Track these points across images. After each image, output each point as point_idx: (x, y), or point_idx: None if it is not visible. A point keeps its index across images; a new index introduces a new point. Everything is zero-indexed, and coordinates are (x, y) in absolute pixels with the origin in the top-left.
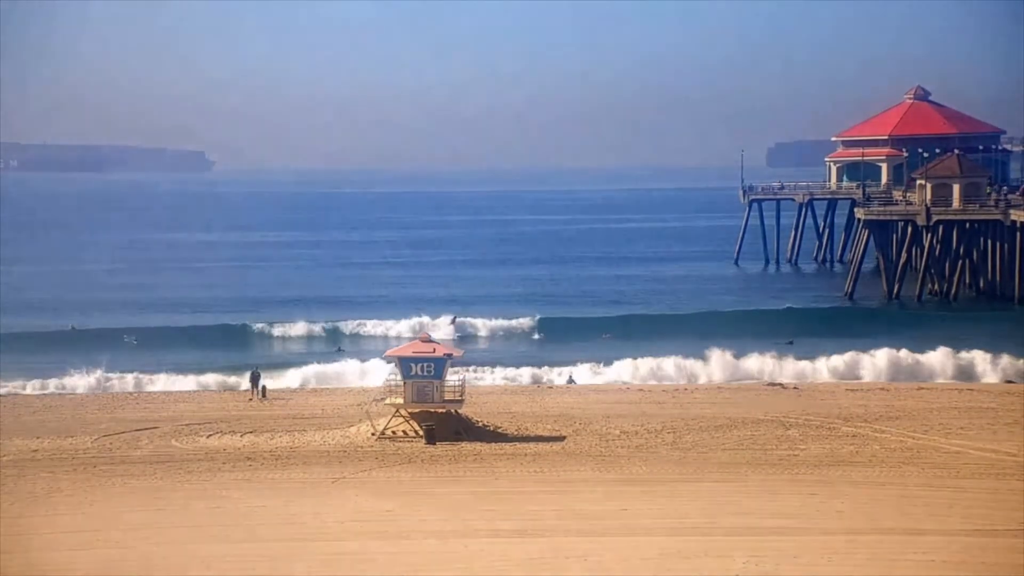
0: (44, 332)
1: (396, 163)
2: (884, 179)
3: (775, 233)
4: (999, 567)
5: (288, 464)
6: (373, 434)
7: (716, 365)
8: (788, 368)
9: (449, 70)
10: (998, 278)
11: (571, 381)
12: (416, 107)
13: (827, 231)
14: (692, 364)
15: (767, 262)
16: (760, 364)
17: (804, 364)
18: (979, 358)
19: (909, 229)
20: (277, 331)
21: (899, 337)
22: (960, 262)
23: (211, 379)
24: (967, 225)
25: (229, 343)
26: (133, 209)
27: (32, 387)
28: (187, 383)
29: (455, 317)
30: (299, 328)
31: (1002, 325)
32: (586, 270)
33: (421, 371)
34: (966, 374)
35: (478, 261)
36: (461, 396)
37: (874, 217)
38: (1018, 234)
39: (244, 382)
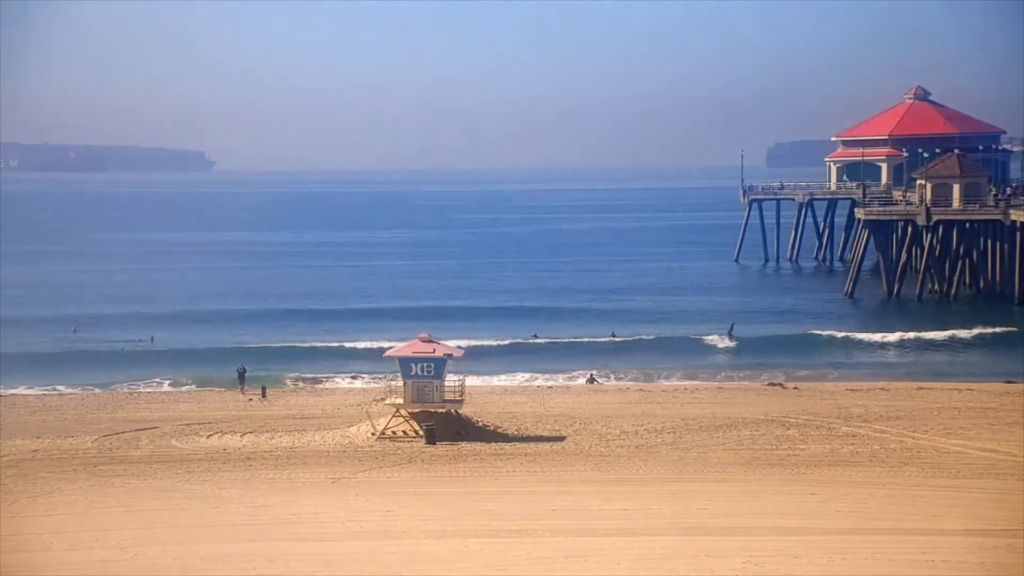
0: (46, 333)
1: (397, 163)
2: (884, 179)
3: (775, 233)
4: (999, 567)
5: (288, 464)
6: (373, 434)
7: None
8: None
9: (451, 70)
10: (998, 278)
11: (592, 380)
12: (417, 107)
13: (827, 231)
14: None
15: (767, 261)
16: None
17: (804, 363)
18: None
19: (909, 229)
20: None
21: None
22: (960, 262)
23: (211, 379)
24: (967, 225)
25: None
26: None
27: (33, 387)
28: (187, 383)
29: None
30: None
31: None
32: (593, 270)
33: (421, 371)
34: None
35: (479, 265)
36: (461, 396)
37: (874, 217)
38: (1018, 234)
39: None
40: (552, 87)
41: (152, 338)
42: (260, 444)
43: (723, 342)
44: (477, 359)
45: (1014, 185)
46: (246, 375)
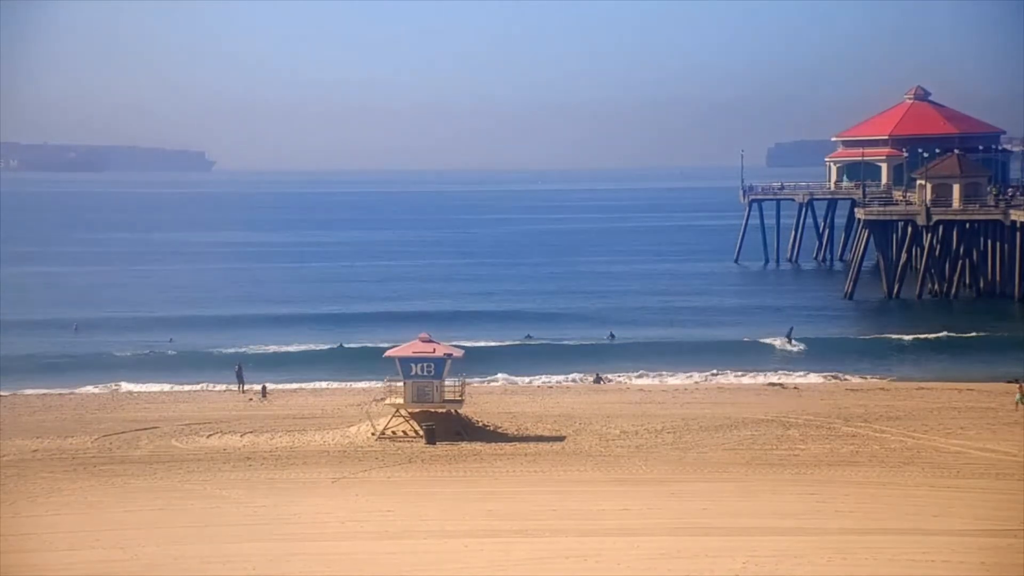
0: (46, 333)
1: (396, 163)
2: (884, 179)
3: (775, 233)
4: (999, 567)
5: (288, 464)
6: (373, 434)
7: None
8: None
9: (448, 70)
10: (998, 278)
11: (598, 380)
12: (417, 107)
13: (827, 231)
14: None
15: (767, 261)
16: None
17: (805, 364)
18: None
19: (909, 229)
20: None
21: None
22: (960, 262)
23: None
24: (967, 225)
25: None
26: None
27: (32, 387)
28: (187, 383)
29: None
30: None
31: None
32: (595, 271)
33: (421, 371)
34: None
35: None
36: (461, 396)
37: (874, 217)
38: (1018, 234)
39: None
40: (550, 87)
41: (171, 339)
42: (260, 444)
43: (784, 345)
44: (477, 359)
45: (1014, 185)
46: (244, 373)
